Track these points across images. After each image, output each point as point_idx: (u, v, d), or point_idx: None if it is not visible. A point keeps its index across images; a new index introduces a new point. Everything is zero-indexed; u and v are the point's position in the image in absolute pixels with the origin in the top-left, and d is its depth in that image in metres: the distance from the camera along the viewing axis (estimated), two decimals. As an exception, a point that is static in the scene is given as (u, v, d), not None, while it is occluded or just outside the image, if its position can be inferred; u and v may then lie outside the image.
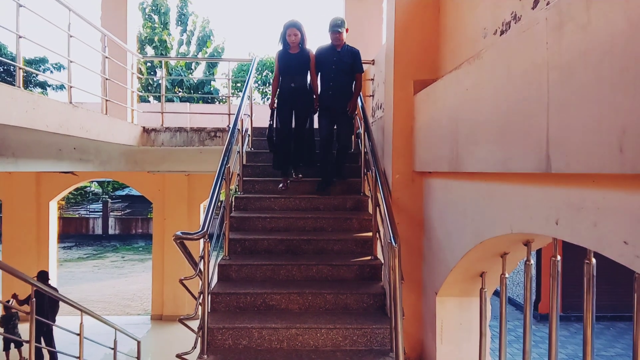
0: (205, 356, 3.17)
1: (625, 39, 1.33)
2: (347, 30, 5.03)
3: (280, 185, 5.17)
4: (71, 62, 4.89)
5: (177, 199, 11.13)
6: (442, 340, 3.23)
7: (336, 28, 4.94)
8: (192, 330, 3.28)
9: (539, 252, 11.69)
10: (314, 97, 5.15)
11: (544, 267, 11.94)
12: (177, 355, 3.12)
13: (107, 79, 5.95)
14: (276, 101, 5.17)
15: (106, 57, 5.93)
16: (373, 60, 5.91)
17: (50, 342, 7.22)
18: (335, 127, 5.19)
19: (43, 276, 7.71)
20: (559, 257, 2.10)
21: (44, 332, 7.09)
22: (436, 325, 3.25)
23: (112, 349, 5.80)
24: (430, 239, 3.41)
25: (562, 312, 11.36)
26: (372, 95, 6.00)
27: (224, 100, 21.06)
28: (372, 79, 5.99)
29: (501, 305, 2.68)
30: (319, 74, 5.14)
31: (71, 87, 4.88)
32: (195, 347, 3.18)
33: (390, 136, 3.76)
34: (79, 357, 4.75)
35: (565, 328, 11.05)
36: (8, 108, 3.63)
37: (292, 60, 5.04)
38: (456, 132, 2.70)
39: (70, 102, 4.73)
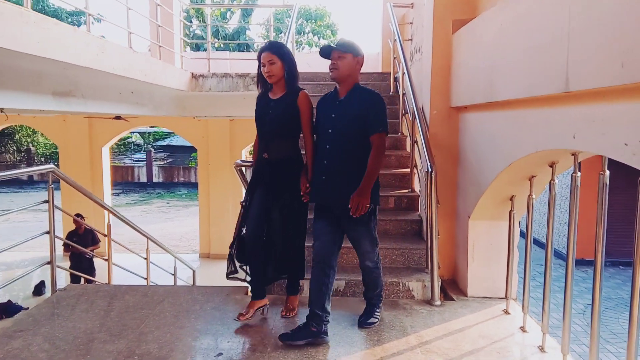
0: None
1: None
2: (357, 60, 2.81)
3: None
4: (129, 9, 5.26)
5: (220, 145, 11.61)
6: (474, 259, 3.58)
7: (329, 50, 2.80)
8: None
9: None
10: (306, 176, 2.97)
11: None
12: (228, 277, 3.19)
13: (159, 25, 6.31)
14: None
15: (158, 5, 6.27)
16: (412, 3, 6.02)
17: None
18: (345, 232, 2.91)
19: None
20: (579, 173, 2.39)
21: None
22: (468, 246, 3.60)
23: (173, 274, 6.47)
24: (464, 168, 3.71)
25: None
26: (411, 40, 6.14)
27: (261, 49, 21.20)
28: (411, 23, 6.12)
29: (528, 224, 2.97)
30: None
31: (130, 33, 5.27)
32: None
33: (429, 75, 4.00)
34: (146, 278, 5.38)
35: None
36: (82, 51, 4.06)
37: (268, 110, 2.95)
38: (491, 66, 2.94)
39: (130, 47, 5.14)
